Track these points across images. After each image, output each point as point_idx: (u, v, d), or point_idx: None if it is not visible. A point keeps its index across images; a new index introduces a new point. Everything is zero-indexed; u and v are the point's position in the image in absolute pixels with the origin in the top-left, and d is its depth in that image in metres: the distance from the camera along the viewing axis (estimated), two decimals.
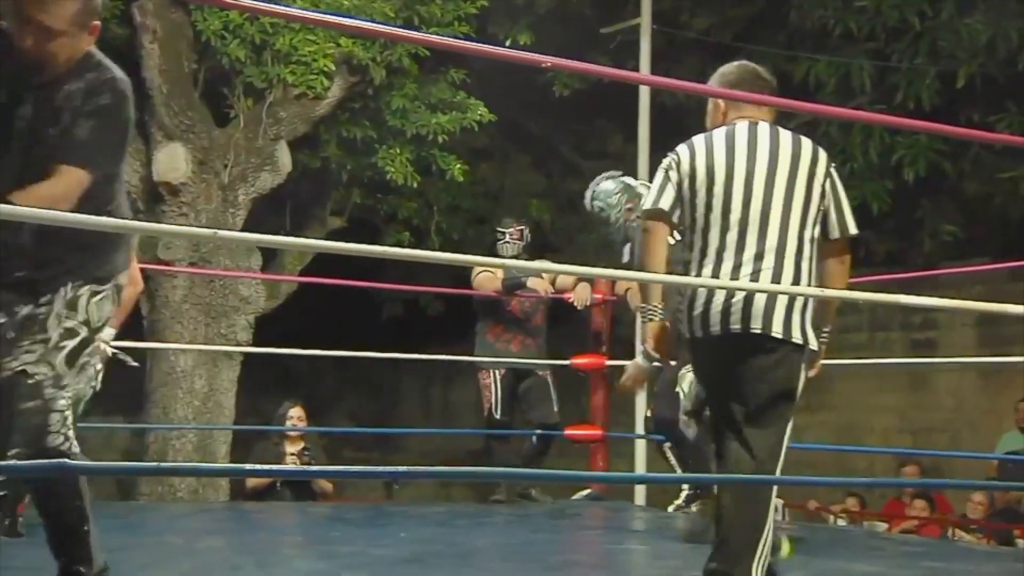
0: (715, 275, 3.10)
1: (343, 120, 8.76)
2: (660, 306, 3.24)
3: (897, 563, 3.60)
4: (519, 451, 6.51)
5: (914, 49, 8.92)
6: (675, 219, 3.23)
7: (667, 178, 3.26)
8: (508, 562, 4.08)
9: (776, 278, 3.05)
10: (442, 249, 10.10)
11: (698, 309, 3.10)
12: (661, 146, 9.98)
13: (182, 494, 7.77)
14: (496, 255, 6.35)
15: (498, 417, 6.33)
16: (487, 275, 6.36)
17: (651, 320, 3.24)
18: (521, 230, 6.55)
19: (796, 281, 3.07)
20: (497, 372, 6.34)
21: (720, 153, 3.23)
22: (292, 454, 6.84)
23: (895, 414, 9.87)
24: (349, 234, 9.39)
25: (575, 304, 6.43)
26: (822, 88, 9.23)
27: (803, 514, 8.63)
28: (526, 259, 6.41)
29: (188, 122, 8.00)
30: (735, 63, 3.52)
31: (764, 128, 3.26)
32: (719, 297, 3.05)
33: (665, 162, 3.30)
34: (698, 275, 3.14)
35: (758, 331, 3.02)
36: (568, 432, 6.55)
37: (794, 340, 3.04)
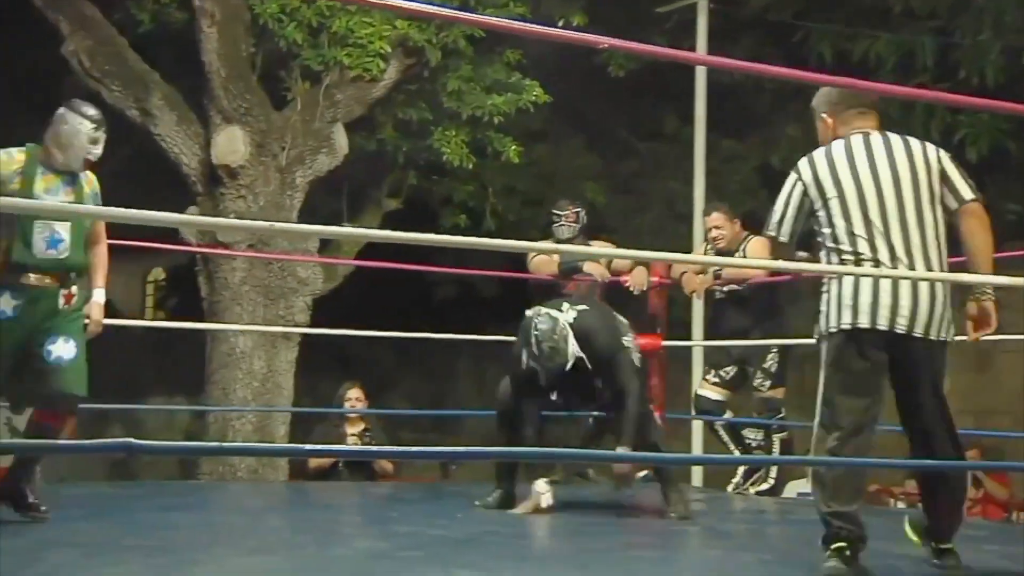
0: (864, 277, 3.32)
1: (399, 102, 8.79)
2: None
3: (960, 547, 3.55)
4: (575, 433, 6.50)
5: (978, 24, 8.75)
6: (794, 238, 3.49)
7: (790, 197, 3.48)
8: (564, 542, 4.09)
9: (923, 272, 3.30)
10: (497, 231, 10.11)
11: (863, 305, 3.33)
12: (718, 126, 9.95)
13: (242, 474, 7.86)
14: (552, 237, 6.34)
15: (553, 398, 6.31)
16: (543, 258, 6.33)
17: None
18: (577, 212, 6.52)
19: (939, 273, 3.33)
20: None
21: (843, 165, 3.43)
22: (353, 435, 6.89)
23: (957, 395, 9.71)
24: (405, 216, 9.43)
25: (632, 288, 6.40)
26: (882, 66, 9.10)
27: (864, 497, 8.53)
28: (581, 242, 6.38)
29: (246, 105, 8.06)
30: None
31: (877, 137, 3.47)
32: (886, 297, 3.30)
33: (790, 179, 3.50)
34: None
35: (919, 335, 3.31)
36: None
37: (943, 338, 3.36)
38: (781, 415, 6.15)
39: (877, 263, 3.30)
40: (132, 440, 2.56)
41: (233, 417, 7.98)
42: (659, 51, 4.02)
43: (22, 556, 3.36)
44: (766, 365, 6.09)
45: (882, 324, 3.30)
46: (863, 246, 3.32)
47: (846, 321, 3.38)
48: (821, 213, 3.41)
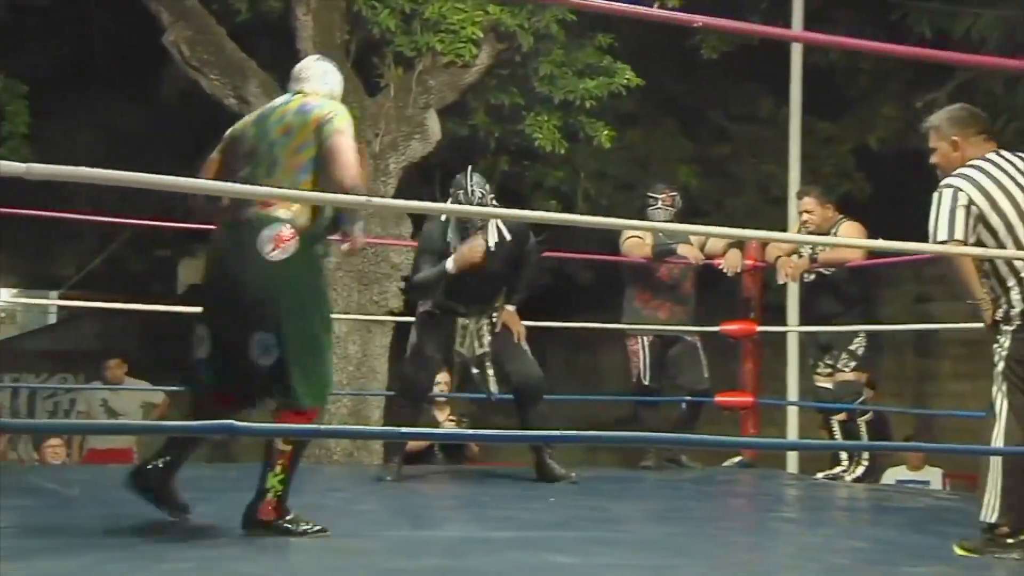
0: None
1: (491, 87, 8.81)
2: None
3: None
4: (668, 418, 6.49)
5: None
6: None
7: (956, 206, 3.64)
8: (656, 528, 4.09)
9: None
10: (589, 215, 10.09)
11: None
12: (813, 108, 9.80)
13: (337, 457, 7.99)
14: (646, 221, 6.32)
15: (647, 383, 6.31)
16: (636, 240, 6.32)
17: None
18: (673, 196, 6.49)
19: None
20: (645, 339, 6.32)
21: (993, 183, 3.67)
22: (451, 419, 6.95)
23: None
24: (497, 202, 9.45)
25: (725, 270, 6.36)
26: (984, 44, 8.88)
27: (965, 484, 8.38)
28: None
29: None
30: (956, 106, 3.97)
31: (1008, 155, 3.75)
32: None
33: (949, 193, 3.66)
34: (1018, 283, 3.61)
35: None
36: (718, 399, 6.50)
37: None
38: (862, 398, 6.08)
39: None
40: (233, 422, 2.64)
41: (329, 401, 8.09)
42: (755, 28, 3.99)
43: (127, 537, 3.47)
44: (852, 347, 6.01)
45: None
46: None
47: None
48: (982, 223, 3.65)
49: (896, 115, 10.75)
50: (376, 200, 3.31)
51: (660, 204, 6.40)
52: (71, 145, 12.10)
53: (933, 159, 3.88)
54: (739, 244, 6.40)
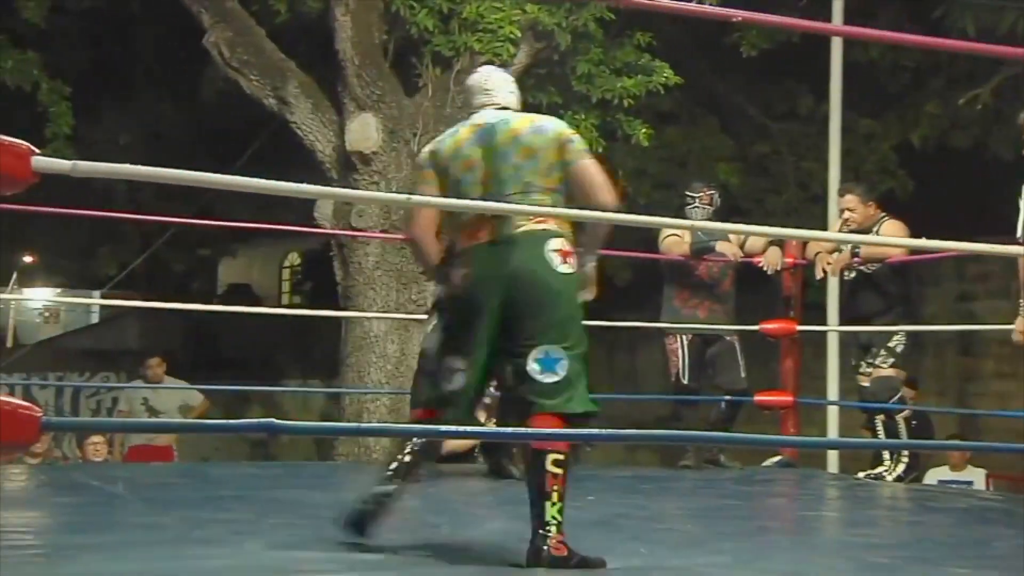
0: None
1: (529, 86, 8.80)
2: None
3: None
4: (707, 417, 6.47)
5: None
6: None
7: None
8: (696, 527, 4.08)
9: None
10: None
11: None
12: (854, 105, 9.73)
13: (377, 455, 8.01)
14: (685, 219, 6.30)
15: (685, 382, 6.30)
16: (675, 239, 6.31)
17: None
18: (711, 195, 6.47)
19: None
20: (684, 337, 6.30)
21: None
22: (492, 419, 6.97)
23: None
24: None
25: (765, 268, 6.34)
26: None
27: (1009, 485, 8.31)
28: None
29: (379, 92, 8.19)
30: None
31: None
32: None
33: None
34: None
35: None
36: (758, 398, 6.47)
37: None
38: (900, 395, 6.03)
39: None
40: (274, 420, 2.66)
41: (368, 399, 8.15)
42: (795, 23, 3.97)
43: (173, 531, 3.51)
44: (891, 344, 5.96)
45: None
46: None
47: None
48: None
49: (939, 112, 10.67)
50: (416, 198, 3.32)
51: (698, 203, 6.38)
52: (113, 146, 12.23)
53: None
54: (779, 242, 6.37)
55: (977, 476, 8.09)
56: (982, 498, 6.15)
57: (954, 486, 7.50)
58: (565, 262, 3.35)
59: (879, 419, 6.04)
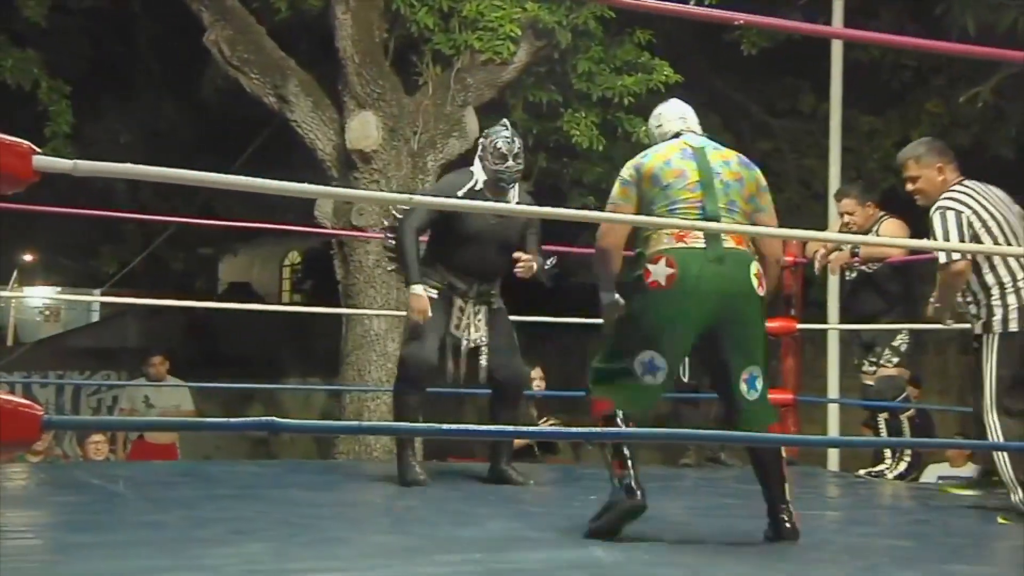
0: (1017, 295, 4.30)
1: (529, 85, 8.83)
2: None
3: None
4: (708, 415, 6.48)
5: None
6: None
7: (960, 226, 4.29)
8: (697, 527, 4.09)
9: None
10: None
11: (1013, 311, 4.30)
12: (856, 103, 9.72)
13: (377, 454, 8.02)
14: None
15: (685, 380, 6.31)
16: None
17: None
18: None
19: None
20: None
21: (986, 202, 4.41)
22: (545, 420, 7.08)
23: None
24: (535, 199, 9.46)
25: None
26: None
27: None
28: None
29: (379, 90, 8.20)
30: (927, 139, 4.90)
31: (975, 183, 4.50)
32: None
33: (952, 215, 4.31)
34: (1001, 296, 4.33)
35: None
36: None
37: None
38: (905, 394, 6.02)
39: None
40: (274, 419, 2.66)
41: (368, 398, 8.15)
42: (796, 26, 4.02)
43: (174, 530, 3.52)
44: (895, 343, 5.97)
45: None
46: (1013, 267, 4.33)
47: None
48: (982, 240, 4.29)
49: (939, 110, 10.67)
50: (416, 198, 3.33)
51: None
52: (113, 144, 12.24)
53: (916, 186, 4.49)
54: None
55: (977, 473, 8.09)
56: (983, 496, 6.14)
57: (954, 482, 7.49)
58: (761, 285, 3.64)
59: (882, 417, 6.04)
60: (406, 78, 8.57)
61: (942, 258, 4.30)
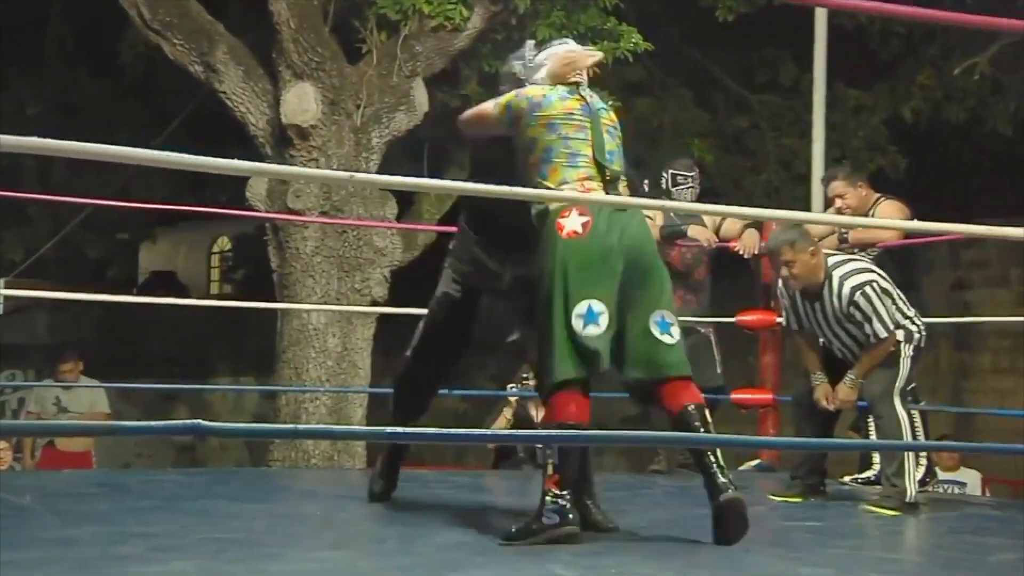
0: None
1: (484, 53, 8.81)
2: None
3: None
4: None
5: None
6: None
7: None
8: (667, 537, 4.11)
9: None
10: None
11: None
12: (841, 75, 9.77)
13: (316, 461, 8.01)
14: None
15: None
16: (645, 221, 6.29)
17: None
18: (697, 174, 6.49)
19: None
20: None
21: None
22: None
23: None
24: (491, 174, 9.48)
25: (742, 253, 6.36)
26: None
27: (1008, 490, 8.44)
28: None
29: (318, 59, 8.15)
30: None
31: None
32: None
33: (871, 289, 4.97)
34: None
35: None
36: (735, 396, 6.52)
37: None
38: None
39: None
40: (201, 421, 2.65)
41: (306, 399, 8.13)
42: None
43: (89, 548, 3.49)
44: None
45: None
46: None
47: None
48: None
49: (932, 83, 10.77)
50: (359, 176, 3.32)
51: (692, 183, 6.36)
52: (18, 116, 12.10)
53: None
54: (757, 225, 6.40)
55: (971, 477, 8.20)
56: (976, 504, 6.23)
57: (946, 486, 7.59)
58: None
59: (871, 419, 6.09)
60: (348, 46, 8.53)
61: (882, 333, 4.92)
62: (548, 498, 3.63)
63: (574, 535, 3.62)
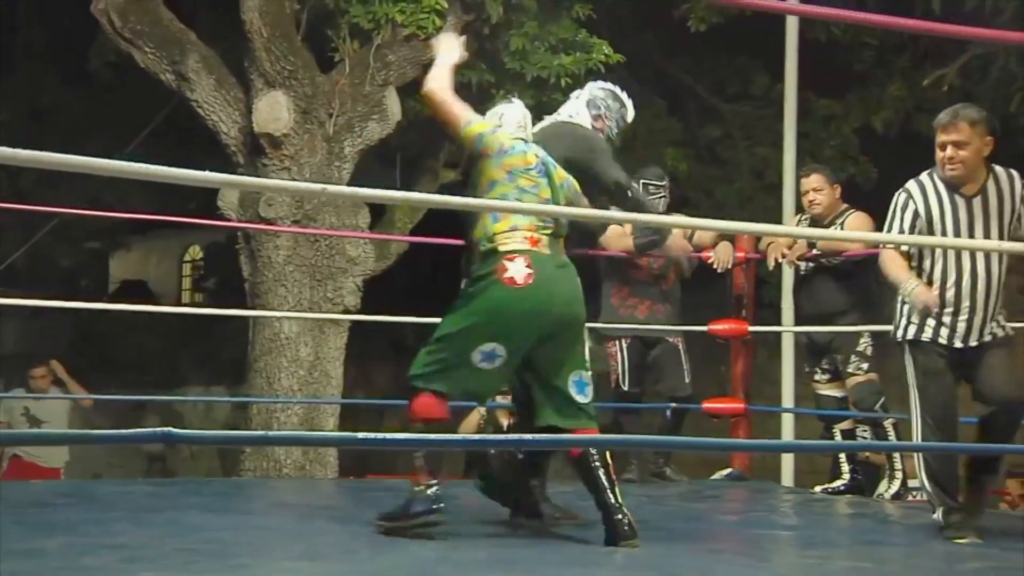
0: None
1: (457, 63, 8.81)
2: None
3: None
4: (651, 425, 6.52)
5: None
6: None
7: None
8: (640, 548, 4.11)
9: None
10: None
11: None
12: (813, 85, 9.83)
13: (288, 470, 7.98)
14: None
15: (626, 389, 6.33)
16: (617, 231, 6.29)
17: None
18: (668, 183, 6.51)
19: None
20: (623, 341, 6.33)
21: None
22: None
23: None
24: (464, 188, 9.48)
25: (714, 265, 6.38)
26: (999, 15, 8.97)
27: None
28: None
29: (290, 68, 8.14)
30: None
31: None
32: None
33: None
34: None
35: None
36: (706, 405, 6.54)
37: None
38: (883, 400, 6.03)
39: None
40: (171, 429, 2.63)
41: (278, 409, 8.11)
42: (751, 2, 4.02)
43: (57, 560, 3.46)
44: (860, 348, 6.00)
45: None
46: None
47: None
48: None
49: (903, 94, 10.84)
50: (331, 188, 3.31)
51: (664, 192, 6.38)
52: None
53: (965, 152, 4.44)
54: (730, 236, 6.43)
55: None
56: None
57: (916, 494, 7.61)
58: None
59: (837, 429, 6.11)
60: (320, 55, 8.52)
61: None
62: (420, 489, 3.92)
63: (440, 521, 3.94)
